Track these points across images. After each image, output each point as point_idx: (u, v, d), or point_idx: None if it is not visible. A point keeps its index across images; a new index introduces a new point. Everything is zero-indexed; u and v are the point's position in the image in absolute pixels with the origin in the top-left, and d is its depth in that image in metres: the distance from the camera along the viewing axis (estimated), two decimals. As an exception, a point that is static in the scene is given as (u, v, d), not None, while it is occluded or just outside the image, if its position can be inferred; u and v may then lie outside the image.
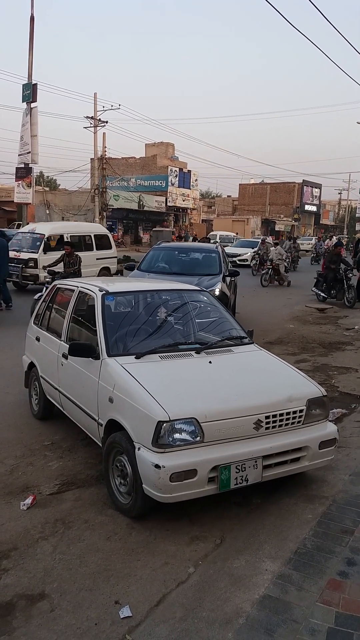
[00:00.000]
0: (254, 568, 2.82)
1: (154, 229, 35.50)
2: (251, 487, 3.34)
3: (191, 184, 49.18)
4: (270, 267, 17.47)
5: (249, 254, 24.31)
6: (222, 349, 4.03)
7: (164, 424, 3.02)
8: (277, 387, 3.63)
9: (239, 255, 25.37)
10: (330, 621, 2.41)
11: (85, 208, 37.87)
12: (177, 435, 3.05)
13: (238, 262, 23.89)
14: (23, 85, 18.88)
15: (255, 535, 3.14)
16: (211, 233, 37.23)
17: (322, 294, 13.61)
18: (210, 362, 3.75)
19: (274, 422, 3.34)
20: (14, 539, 3.07)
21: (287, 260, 18.63)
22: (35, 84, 18.82)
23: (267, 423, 3.31)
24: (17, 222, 29.92)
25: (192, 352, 3.84)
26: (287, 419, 3.40)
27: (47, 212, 39.62)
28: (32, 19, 18.84)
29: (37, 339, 5.00)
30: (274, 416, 3.34)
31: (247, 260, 24.17)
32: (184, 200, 47.90)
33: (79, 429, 4.31)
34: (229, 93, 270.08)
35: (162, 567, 2.83)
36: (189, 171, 49.31)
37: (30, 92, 18.59)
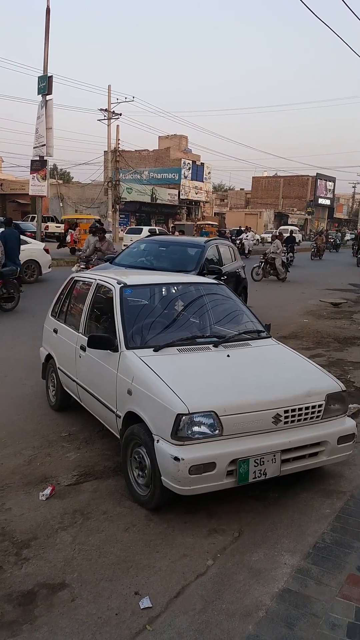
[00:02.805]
0: (273, 562, 2.83)
1: (176, 222, 35.46)
2: (269, 481, 3.33)
3: (204, 176, 49.02)
4: (264, 260, 17.04)
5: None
6: (240, 342, 4.01)
7: (183, 417, 3.02)
8: (296, 381, 3.61)
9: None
10: (351, 616, 2.41)
11: (99, 201, 37.96)
12: (196, 428, 3.06)
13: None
14: (38, 77, 18.88)
15: (274, 529, 3.15)
16: (281, 228, 38.01)
17: None
18: (228, 355, 3.74)
19: (293, 416, 3.33)
20: (34, 529, 3.11)
21: (283, 254, 17.89)
22: (51, 77, 18.81)
23: (286, 417, 3.30)
24: (31, 215, 30.07)
25: (210, 346, 3.84)
26: (306, 414, 3.39)
27: (61, 204, 39.77)
28: (48, 11, 18.81)
29: (55, 331, 5.02)
30: (293, 410, 3.33)
31: None
32: (196, 193, 47.78)
33: (95, 421, 4.33)
34: (244, 85, 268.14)
35: (181, 559, 2.84)
36: (202, 164, 49.13)
37: (45, 85, 18.59)
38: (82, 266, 11.00)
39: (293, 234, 26.03)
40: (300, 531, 3.12)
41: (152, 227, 29.75)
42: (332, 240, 38.36)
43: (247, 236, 27.71)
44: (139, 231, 26.84)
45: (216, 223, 38.48)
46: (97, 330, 4.24)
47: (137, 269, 7.64)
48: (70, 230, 23.71)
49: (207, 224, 32.73)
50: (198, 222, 38.93)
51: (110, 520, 3.21)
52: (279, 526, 3.17)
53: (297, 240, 31.00)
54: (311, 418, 3.43)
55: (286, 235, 23.60)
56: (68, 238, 23.04)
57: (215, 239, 10.11)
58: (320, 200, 64.98)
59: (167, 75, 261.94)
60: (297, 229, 44.09)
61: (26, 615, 2.43)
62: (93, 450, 4.17)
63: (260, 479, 3.19)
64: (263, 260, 17.12)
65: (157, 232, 22.90)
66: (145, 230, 26.42)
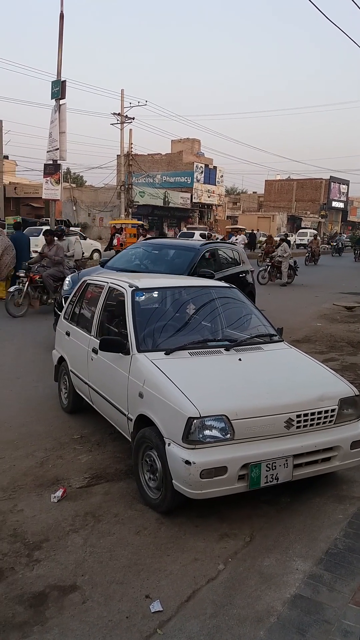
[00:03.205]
0: (285, 567, 2.80)
1: (188, 226, 35.67)
2: (281, 486, 3.32)
3: (217, 180, 49.02)
4: (269, 264, 16.87)
5: None
6: (252, 346, 4.00)
7: (195, 420, 3.02)
8: (309, 385, 3.59)
9: None
10: (364, 623, 2.38)
11: (111, 204, 38.12)
12: (207, 432, 3.05)
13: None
14: (52, 82, 19.02)
15: (285, 534, 3.12)
16: (300, 231, 38.20)
17: None
18: (240, 359, 3.73)
19: (305, 421, 3.31)
20: (45, 531, 3.12)
21: (290, 257, 17.41)
22: (64, 81, 18.93)
23: (299, 422, 3.28)
24: (44, 218, 30.31)
25: (222, 349, 3.83)
26: (319, 418, 3.37)
27: (74, 208, 40.01)
28: (61, 16, 18.96)
29: (67, 334, 5.05)
30: (305, 415, 3.31)
31: None
32: (209, 197, 47.79)
33: (107, 423, 4.34)
34: (257, 88, 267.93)
35: (192, 563, 2.83)
36: (215, 167, 49.15)
37: (59, 89, 18.70)
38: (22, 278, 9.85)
39: (287, 237, 23.83)
40: (313, 537, 3.09)
41: (202, 232, 30.07)
42: (334, 244, 37.13)
43: (236, 239, 25.83)
44: (192, 235, 27.90)
45: (245, 227, 38.17)
46: (109, 333, 4.25)
47: (127, 272, 7.30)
48: (117, 235, 24.07)
49: (239, 229, 32.43)
50: (228, 227, 38.65)
51: (122, 523, 3.21)
52: (291, 531, 3.15)
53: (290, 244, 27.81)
54: (324, 423, 3.40)
55: (277, 237, 22.63)
56: (115, 241, 23.38)
57: (214, 242, 9.86)
58: (334, 204, 64.63)
59: (180, 79, 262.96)
60: (315, 232, 42.66)
61: (37, 617, 2.44)
62: (105, 453, 4.18)
63: (272, 483, 3.17)
64: (269, 263, 16.99)
65: (207, 236, 23.24)
66: (197, 234, 27.34)
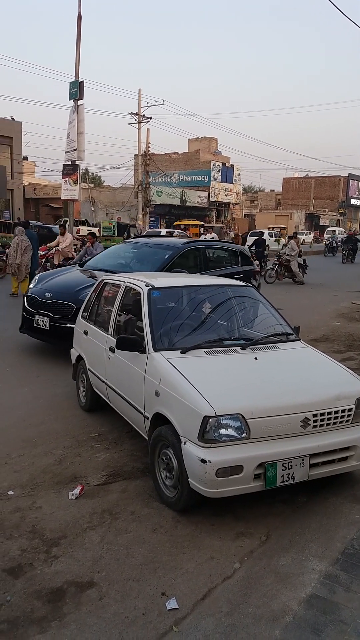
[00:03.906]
0: (301, 566, 2.80)
1: (205, 225, 35.65)
2: (297, 485, 3.31)
3: (234, 178, 48.87)
4: (277, 262, 16.53)
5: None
6: (268, 345, 3.99)
7: (210, 419, 3.03)
8: (325, 385, 3.57)
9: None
10: (380, 624, 2.36)
11: (129, 204, 38.29)
12: (223, 431, 3.06)
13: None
14: (70, 83, 19.18)
15: (302, 533, 3.12)
16: (329, 229, 35.69)
17: None
18: (256, 358, 3.72)
19: (322, 420, 3.30)
20: (63, 528, 3.16)
21: (298, 255, 16.75)
22: (82, 82, 19.09)
23: (315, 421, 3.27)
24: (63, 218, 30.61)
25: (238, 348, 3.83)
26: (335, 418, 3.35)
27: (92, 208, 40.28)
28: (79, 17, 19.10)
29: (85, 333, 5.10)
30: (322, 414, 3.29)
31: None
32: (226, 195, 47.67)
33: (124, 421, 4.38)
34: (273, 86, 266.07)
35: (208, 562, 2.85)
36: (232, 165, 49.00)
37: (77, 90, 18.87)
38: None
39: (262, 237, 22.06)
40: (329, 536, 3.08)
41: (171, 230, 29.90)
42: (327, 243, 33.09)
43: (205, 238, 22.72)
44: (158, 234, 27.46)
45: (285, 226, 37.03)
46: (126, 332, 4.29)
47: (103, 272, 7.26)
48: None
49: (210, 227, 31.67)
50: (270, 226, 38.12)
51: (138, 521, 3.24)
52: (307, 531, 3.14)
53: (267, 244, 22.72)
54: (340, 422, 3.38)
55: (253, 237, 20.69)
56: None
57: (200, 241, 9.42)
58: (353, 201, 63.88)
59: (197, 78, 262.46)
60: (342, 230, 38.77)
61: (55, 612, 2.48)
62: (122, 451, 4.22)
63: (288, 483, 3.17)
64: (277, 262, 16.65)
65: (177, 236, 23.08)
66: (163, 232, 27.06)
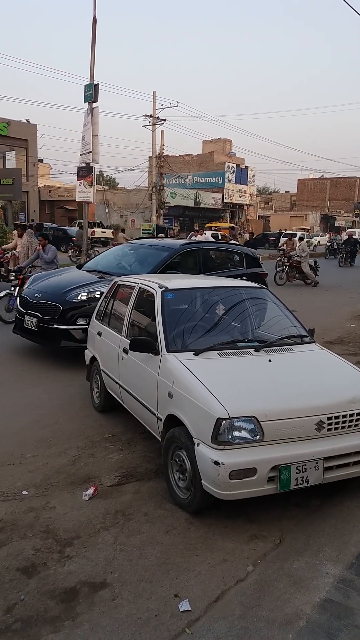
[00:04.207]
0: (315, 570, 2.78)
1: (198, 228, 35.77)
2: (311, 489, 3.28)
3: (248, 179, 48.79)
4: (288, 264, 16.36)
5: None
6: (282, 347, 3.97)
7: (224, 421, 3.02)
8: (340, 387, 3.54)
9: None
10: (395, 630, 2.33)
11: (143, 206, 38.41)
12: (236, 433, 3.04)
13: None
14: (85, 85, 19.29)
15: (316, 537, 3.09)
16: (348, 231, 35.13)
17: None
18: (270, 360, 3.70)
19: (337, 423, 3.27)
20: (77, 528, 3.17)
21: (308, 256, 16.57)
22: (97, 85, 19.18)
23: (330, 424, 3.24)
24: (78, 220, 30.82)
25: (251, 350, 3.82)
26: (351, 421, 3.32)
27: (107, 210, 40.50)
28: (94, 20, 19.21)
29: (99, 334, 5.12)
30: (337, 417, 3.27)
31: None
32: (240, 197, 47.58)
33: (138, 423, 4.38)
34: (287, 87, 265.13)
35: (221, 564, 2.84)
36: (246, 167, 48.92)
37: (92, 93, 18.96)
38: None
39: (353, 237, 21.26)
40: (343, 540, 3.05)
41: (290, 232, 29.52)
42: (329, 244, 32.33)
43: (196, 239, 21.76)
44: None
45: (308, 227, 36.79)
46: (139, 333, 4.30)
47: (98, 273, 7.38)
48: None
49: (301, 229, 31.44)
50: (285, 230, 37.98)
51: (151, 522, 3.24)
52: (321, 534, 3.11)
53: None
54: (356, 425, 3.35)
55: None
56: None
57: (200, 242, 9.18)
58: (369, 202, 63.34)
59: (212, 79, 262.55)
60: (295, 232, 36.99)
61: (68, 612, 2.49)
62: (135, 452, 4.22)
63: (302, 486, 3.14)
64: (287, 263, 16.47)
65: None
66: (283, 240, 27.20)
